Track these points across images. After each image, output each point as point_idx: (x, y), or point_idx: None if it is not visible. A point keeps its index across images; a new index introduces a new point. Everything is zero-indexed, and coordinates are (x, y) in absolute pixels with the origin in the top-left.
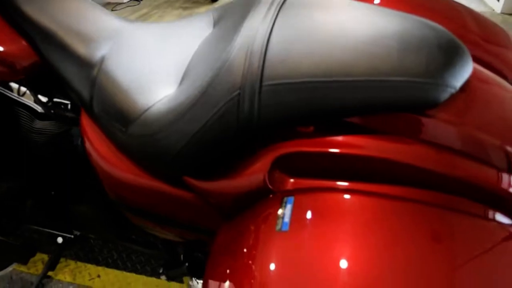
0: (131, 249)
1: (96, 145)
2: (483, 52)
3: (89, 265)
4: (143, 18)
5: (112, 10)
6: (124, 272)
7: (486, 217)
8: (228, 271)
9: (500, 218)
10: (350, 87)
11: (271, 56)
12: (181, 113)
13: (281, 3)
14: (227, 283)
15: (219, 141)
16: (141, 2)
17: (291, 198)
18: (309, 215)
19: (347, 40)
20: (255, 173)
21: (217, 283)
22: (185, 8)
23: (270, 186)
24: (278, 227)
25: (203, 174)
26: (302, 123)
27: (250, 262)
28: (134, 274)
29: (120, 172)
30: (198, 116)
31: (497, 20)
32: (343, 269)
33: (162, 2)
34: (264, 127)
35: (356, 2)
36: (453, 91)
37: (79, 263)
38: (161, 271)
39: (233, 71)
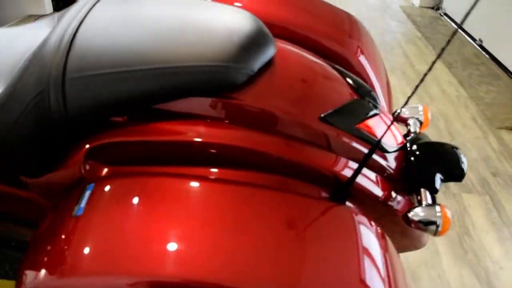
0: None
1: None
2: (329, 40)
3: None
4: None
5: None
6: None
7: (302, 194)
8: (35, 258)
9: (318, 192)
10: (151, 75)
11: (75, 50)
12: None
13: (96, 0)
14: (34, 269)
15: (35, 135)
16: None
17: (91, 185)
18: (104, 199)
19: (150, 31)
20: (73, 165)
21: (28, 271)
22: None
23: (85, 176)
24: (74, 212)
25: (32, 170)
26: (112, 114)
27: (53, 247)
28: None
29: None
30: (11, 112)
31: (416, 13)
32: (129, 248)
33: None
34: (75, 120)
35: None
36: (250, 72)
37: None
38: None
39: (40, 67)
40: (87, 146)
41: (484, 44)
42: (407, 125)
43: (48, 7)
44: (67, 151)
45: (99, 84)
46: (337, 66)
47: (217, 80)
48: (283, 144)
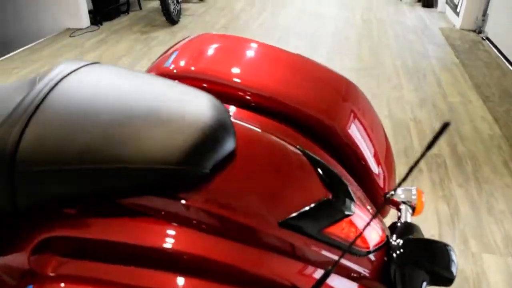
0: None
1: None
2: (316, 110)
3: None
4: (101, 42)
5: (70, 36)
6: None
7: None
8: None
9: None
10: (101, 175)
11: (26, 140)
12: None
13: (56, 82)
14: None
15: None
16: (101, 27)
17: (30, 286)
18: None
19: (103, 121)
20: (21, 255)
21: None
22: (142, 33)
23: (34, 269)
24: None
25: None
26: (63, 207)
27: None
28: None
29: None
30: None
31: (456, 36)
32: None
33: (121, 27)
34: (24, 212)
35: (132, 77)
36: (201, 174)
37: None
38: None
39: None
40: (37, 238)
41: None
42: (398, 210)
43: (86, 21)
44: (13, 241)
45: (48, 181)
46: (310, 154)
47: (165, 182)
48: (239, 251)
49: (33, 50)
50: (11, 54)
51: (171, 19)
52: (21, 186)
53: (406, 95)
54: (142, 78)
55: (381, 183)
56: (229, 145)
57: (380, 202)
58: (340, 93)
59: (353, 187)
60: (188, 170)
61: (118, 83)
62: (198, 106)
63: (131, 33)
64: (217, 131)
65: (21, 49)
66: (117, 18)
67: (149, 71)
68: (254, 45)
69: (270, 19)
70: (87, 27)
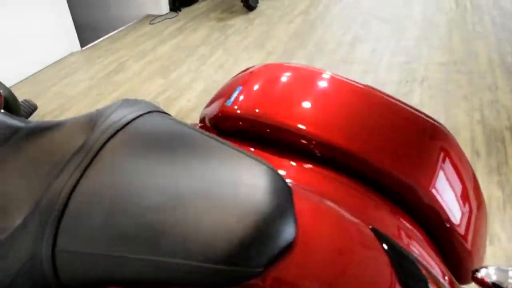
0: None
1: None
2: (393, 163)
3: None
4: (179, 30)
5: (150, 24)
6: None
7: None
8: None
9: None
10: (143, 265)
11: (68, 216)
12: None
13: (108, 137)
14: None
15: None
16: (179, 13)
17: None
18: None
19: (145, 206)
20: None
21: None
22: (219, 20)
23: None
24: None
25: None
26: (108, 284)
27: None
28: None
29: None
30: (9, 269)
31: None
32: None
33: (199, 14)
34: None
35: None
36: (254, 273)
37: None
38: None
39: (27, 235)
40: None
41: None
42: None
43: (165, 7)
44: None
45: (91, 263)
46: (385, 236)
47: (209, 281)
48: None
49: (116, 38)
50: (96, 42)
51: (248, 4)
52: (63, 265)
53: (502, 98)
54: (194, 140)
55: (469, 254)
56: (288, 236)
57: (466, 280)
58: (424, 142)
59: (433, 262)
60: (236, 270)
61: (169, 149)
62: (255, 186)
63: (208, 20)
64: (274, 222)
65: (104, 37)
66: (195, 3)
67: (209, 104)
68: (323, 79)
69: (352, 3)
70: (166, 14)
